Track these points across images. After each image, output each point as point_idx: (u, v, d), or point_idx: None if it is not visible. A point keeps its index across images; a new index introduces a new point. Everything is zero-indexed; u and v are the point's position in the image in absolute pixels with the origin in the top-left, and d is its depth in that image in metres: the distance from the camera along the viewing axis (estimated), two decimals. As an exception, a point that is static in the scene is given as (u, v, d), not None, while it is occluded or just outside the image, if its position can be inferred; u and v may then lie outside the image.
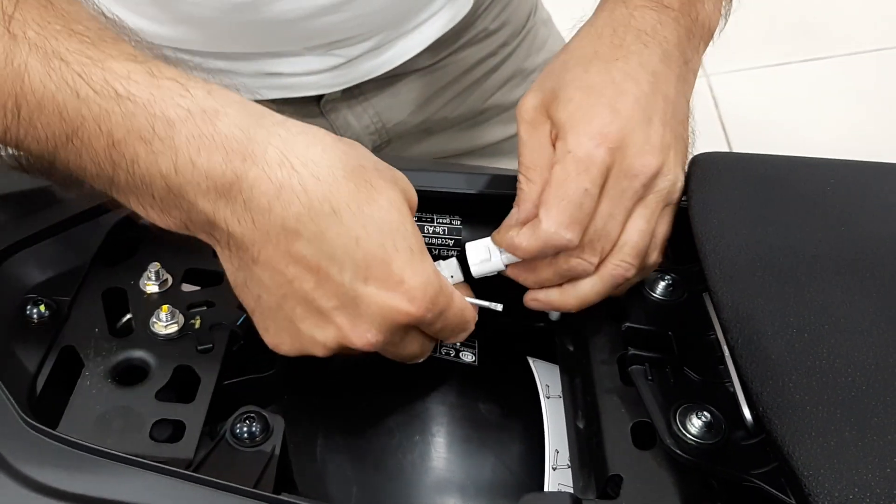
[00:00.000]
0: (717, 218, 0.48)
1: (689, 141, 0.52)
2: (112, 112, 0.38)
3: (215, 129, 0.39)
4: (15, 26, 0.38)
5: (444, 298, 0.44)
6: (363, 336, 0.42)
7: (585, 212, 0.46)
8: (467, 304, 0.47)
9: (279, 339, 0.44)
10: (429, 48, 0.75)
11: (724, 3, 0.54)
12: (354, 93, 0.76)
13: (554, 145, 0.48)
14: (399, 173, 0.45)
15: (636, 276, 0.49)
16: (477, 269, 0.50)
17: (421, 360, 0.48)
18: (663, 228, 0.50)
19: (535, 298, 0.50)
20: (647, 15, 0.50)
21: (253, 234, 0.40)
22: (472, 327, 0.47)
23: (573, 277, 0.48)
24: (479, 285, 0.51)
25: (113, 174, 0.40)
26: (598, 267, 0.48)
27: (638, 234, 0.48)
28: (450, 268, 0.50)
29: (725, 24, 0.55)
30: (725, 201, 0.49)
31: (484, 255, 0.50)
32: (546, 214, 0.46)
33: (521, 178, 0.49)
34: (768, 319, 0.42)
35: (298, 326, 0.43)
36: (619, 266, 0.48)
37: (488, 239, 0.50)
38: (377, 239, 0.41)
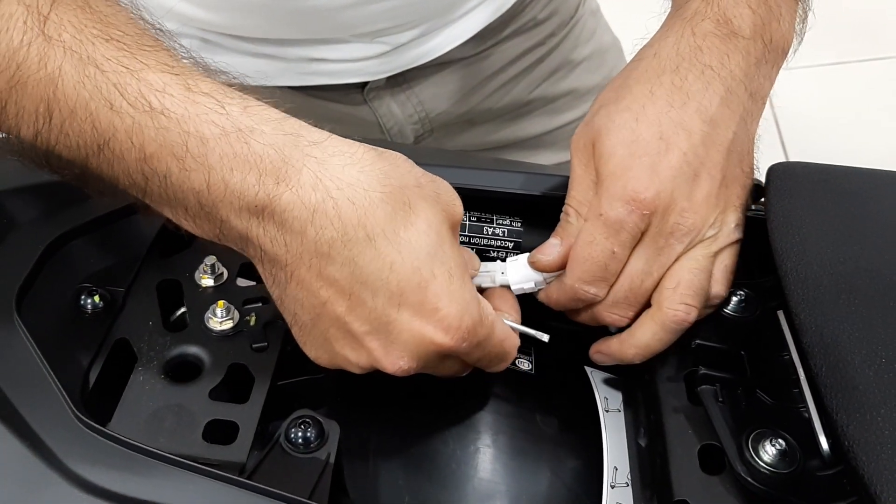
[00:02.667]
0: (799, 233, 0.45)
1: (753, 171, 0.50)
2: (145, 126, 0.37)
3: (249, 149, 0.38)
4: (50, 28, 0.37)
5: (483, 329, 0.42)
6: (395, 363, 0.41)
7: (612, 271, 0.46)
8: (509, 334, 0.45)
9: (317, 353, 0.43)
10: (475, 37, 0.74)
11: (797, 22, 0.51)
12: (398, 80, 0.75)
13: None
14: (444, 185, 0.44)
15: (700, 316, 0.47)
16: (517, 288, 0.49)
17: (463, 375, 0.47)
18: (725, 264, 0.48)
19: (599, 351, 0.50)
20: (715, 45, 0.47)
21: (286, 256, 0.39)
22: (512, 357, 0.46)
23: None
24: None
25: (145, 186, 0.39)
26: (655, 313, 0.47)
27: (690, 273, 0.46)
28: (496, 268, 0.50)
29: (800, 42, 0.52)
30: (807, 215, 0.47)
31: (526, 275, 0.49)
32: (571, 271, 0.47)
33: (569, 209, 0.48)
34: (855, 347, 0.39)
35: (333, 346, 0.42)
36: (678, 310, 0.46)
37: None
38: (412, 264, 0.40)
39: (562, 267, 0.48)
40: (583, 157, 0.48)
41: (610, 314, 0.48)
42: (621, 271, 0.47)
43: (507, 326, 0.46)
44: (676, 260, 0.47)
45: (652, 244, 0.46)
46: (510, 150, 0.84)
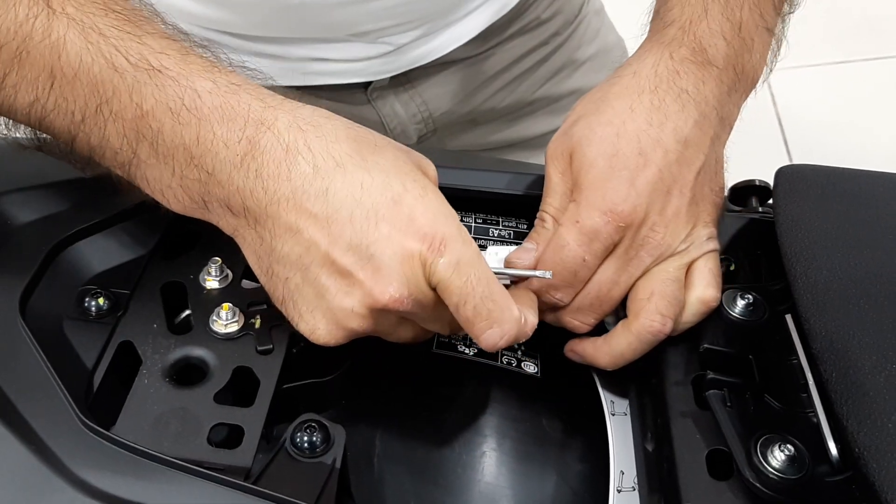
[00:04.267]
0: (808, 237, 0.45)
1: (723, 190, 0.51)
2: (144, 84, 0.40)
3: (238, 100, 0.41)
4: (54, 2, 0.40)
5: (464, 247, 0.41)
6: (386, 291, 0.41)
7: (580, 278, 0.47)
8: (502, 289, 0.42)
9: (314, 322, 0.43)
10: (478, 36, 0.74)
11: (770, 54, 0.53)
12: (402, 80, 0.75)
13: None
14: (416, 154, 0.45)
15: (680, 327, 0.48)
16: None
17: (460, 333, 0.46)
18: (709, 267, 0.48)
19: (573, 350, 0.51)
20: (692, 71, 0.49)
21: (266, 203, 0.41)
22: (508, 318, 0.42)
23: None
24: None
25: (136, 147, 0.41)
26: (631, 323, 0.47)
27: (662, 284, 0.47)
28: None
29: (770, 72, 0.54)
30: (816, 219, 0.46)
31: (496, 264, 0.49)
32: (542, 273, 0.47)
33: (545, 216, 0.49)
34: (865, 353, 0.39)
35: (326, 299, 0.42)
36: (654, 321, 0.47)
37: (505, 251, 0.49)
38: (383, 181, 0.41)
39: None
40: (559, 165, 0.49)
41: (573, 320, 0.49)
42: (589, 279, 0.48)
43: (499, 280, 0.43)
44: (648, 272, 0.48)
45: (623, 255, 0.47)
46: (513, 150, 0.83)
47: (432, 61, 0.73)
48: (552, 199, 0.49)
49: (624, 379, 0.51)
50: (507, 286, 0.48)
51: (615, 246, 0.47)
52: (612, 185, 0.46)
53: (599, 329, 0.50)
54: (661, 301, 0.47)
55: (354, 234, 0.40)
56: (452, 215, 0.42)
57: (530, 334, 0.45)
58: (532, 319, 0.45)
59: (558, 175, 0.49)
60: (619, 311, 0.50)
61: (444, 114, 0.78)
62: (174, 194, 0.42)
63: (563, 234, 0.47)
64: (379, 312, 0.42)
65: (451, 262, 0.41)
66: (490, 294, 0.42)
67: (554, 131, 0.83)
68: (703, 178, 0.49)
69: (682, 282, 0.48)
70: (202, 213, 0.43)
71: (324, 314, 0.42)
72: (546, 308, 0.49)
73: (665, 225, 0.47)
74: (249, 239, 0.43)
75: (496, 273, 0.44)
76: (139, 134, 0.40)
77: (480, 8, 0.72)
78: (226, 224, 0.43)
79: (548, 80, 0.82)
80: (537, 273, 0.47)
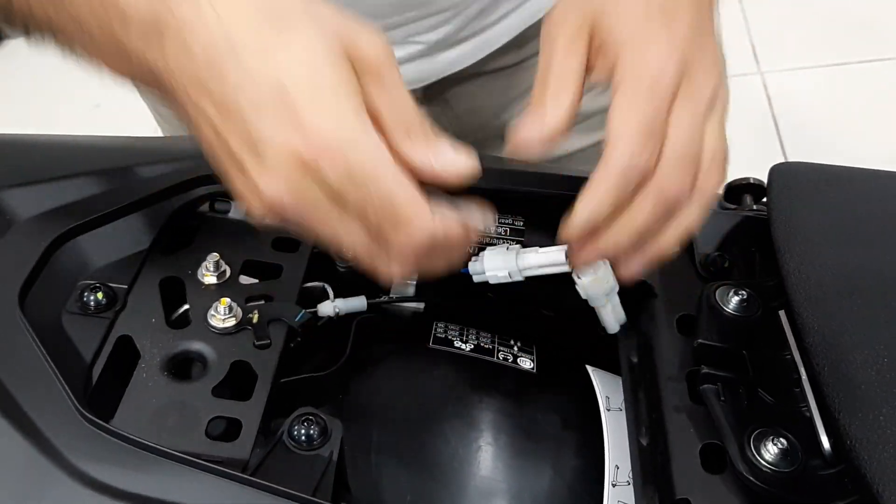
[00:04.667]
0: (802, 233, 0.45)
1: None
2: None
3: None
4: None
5: (359, 155, 0.37)
6: (269, 186, 0.38)
7: (658, 135, 0.42)
8: (411, 192, 0.38)
9: (235, 192, 0.41)
10: (514, 44, 0.72)
11: None
12: (436, 91, 0.73)
13: (591, 68, 0.45)
14: (355, 31, 0.40)
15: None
16: (491, 275, 0.46)
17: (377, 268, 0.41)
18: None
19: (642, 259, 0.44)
20: None
21: (171, 75, 0.40)
22: (419, 225, 0.38)
23: (669, 215, 0.43)
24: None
25: (63, 24, 0.41)
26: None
27: (719, 142, 0.44)
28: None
29: None
30: (809, 216, 0.47)
31: (502, 268, 0.46)
32: (617, 141, 0.42)
33: (549, 86, 0.44)
34: (857, 347, 0.39)
35: (231, 174, 0.40)
36: (715, 184, 0.44)
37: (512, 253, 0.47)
38: (275, 77, 0.38)
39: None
40: (571, 33, 0.45)
41: (671, 185, 0.43)
42: (666, 136, 0.43)
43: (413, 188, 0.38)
44: (705, 131, 0.44)
45: (686, 105, 0.43)
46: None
47: (466, 68, 0.71)
48: (558, 62, 0.45)
49: (619, 374, 0.52)
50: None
51: (673, 99, 0.43)
52: (657, 33, 0.43)
53: (593, 322, 0.50)
54: (721, 164, 0.44)
55: (245, 126, 0.38)
56: (359, 125, 0.38)
57: (472, 236, 0.41)
58: (454, 220, 0.40)
59: (568, 43, 0.45)
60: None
61: (474, 129, 0.77)
62: (107, 66, 0.42)
63: (631, 90, 0.43)
64: (270, 210, 0.39)
65: (343, 169, 0.37)
66: (390, 204, 0.38)
67: (584, 149, 0.81)
68: (714, 34, 0.47)
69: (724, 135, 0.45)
70: (136, 84, 0.43)
71: (236, 190, 0.41)
72: (628, 193, 0.43)
73: (713, 73, 0.45)
74: (175, 108, 0.41)
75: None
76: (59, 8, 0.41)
77: (514, 12, 0.71)
78: (157, 95, 0.42)
79: (584, 93, 0.80)
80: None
